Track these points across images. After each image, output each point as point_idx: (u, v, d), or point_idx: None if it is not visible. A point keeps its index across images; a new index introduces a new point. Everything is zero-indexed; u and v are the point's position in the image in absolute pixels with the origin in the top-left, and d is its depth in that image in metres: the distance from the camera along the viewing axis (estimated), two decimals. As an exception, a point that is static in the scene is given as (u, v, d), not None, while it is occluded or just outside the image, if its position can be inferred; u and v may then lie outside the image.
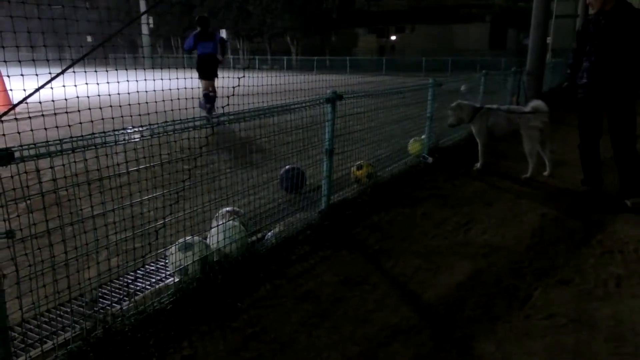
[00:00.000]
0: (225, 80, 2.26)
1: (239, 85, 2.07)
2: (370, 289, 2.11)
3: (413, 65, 23.61)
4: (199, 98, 6.50)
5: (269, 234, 2.55)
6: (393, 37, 35.91)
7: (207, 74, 6.73)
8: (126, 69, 1.83)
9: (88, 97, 1.57)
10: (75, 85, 1.42)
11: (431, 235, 2.77)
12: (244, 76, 2.08)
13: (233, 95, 2.02)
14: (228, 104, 2.05)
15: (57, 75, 1.21)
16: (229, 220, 2.29)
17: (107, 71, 1.75)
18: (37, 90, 1.20)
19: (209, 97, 6.66)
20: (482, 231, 2.82)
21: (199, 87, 6.79)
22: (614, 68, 3.07)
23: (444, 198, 3.47)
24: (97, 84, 1.59)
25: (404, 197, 3.49)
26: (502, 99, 6.80)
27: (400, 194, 3.55)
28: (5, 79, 1.40)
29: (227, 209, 2.40)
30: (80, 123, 1.55)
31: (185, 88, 2.34)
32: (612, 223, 2.92)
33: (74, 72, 1.32)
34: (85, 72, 1.53)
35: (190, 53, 7.03)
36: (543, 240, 2.69)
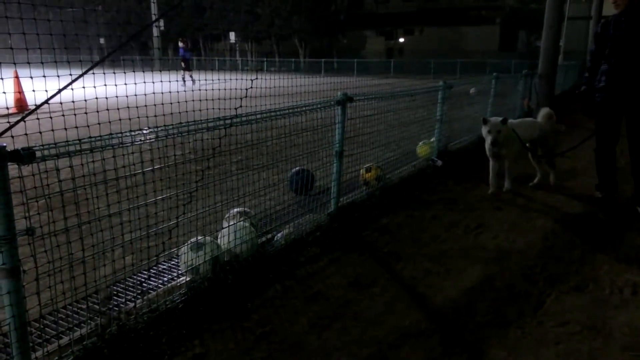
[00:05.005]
0: (238, 82, 2.29)
1: (252, 87, 2.09)
2: (380, 291, 2.10)
3: (421, 68, 23.48)
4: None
5: (279, 235, 2.56)
6: (401, 40, 35.80)
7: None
8: (143, 71, 1.86)
9: (107, 98, 1.61)
10: (95, 87, 1.45)
11: (441, 238, 2.75)
12: (257, 78, 2.11)
13: (246, 96, 2.04)
14: (241, 106, 2.07)
15: (80, 75, 1.24)
16: (239, 221, 2.30)
17: (124, 72, 1.78)
18: (60, 91, 1.23)
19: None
20: (492, 235, 2.80)
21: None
22: (635, 71, 2.97)
23: (454, 201, 3.44)
24: (116, 85, 1.62)
25: (413, 200, 3.48)
26: (513, 102, 6.73)
27: (409, 197, 3.53)
28: (27, 80, 1.44)
29: (238, 209, 2.42)
30: (99, 124, 1.58)
31: (200, 90, 2.37)
32: (627, 230, 2.87)
33: (93, 73, 1.35)
34: (104, 73, 1.57)
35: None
36: (556, 246, 2.65)
